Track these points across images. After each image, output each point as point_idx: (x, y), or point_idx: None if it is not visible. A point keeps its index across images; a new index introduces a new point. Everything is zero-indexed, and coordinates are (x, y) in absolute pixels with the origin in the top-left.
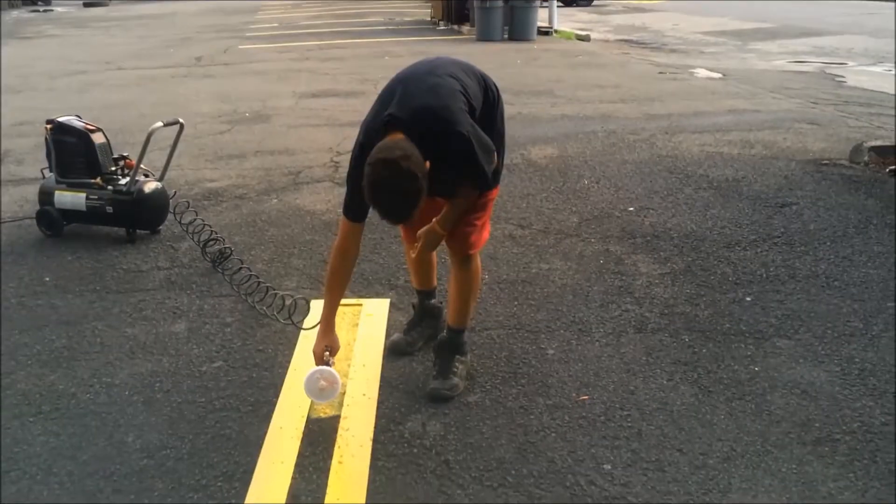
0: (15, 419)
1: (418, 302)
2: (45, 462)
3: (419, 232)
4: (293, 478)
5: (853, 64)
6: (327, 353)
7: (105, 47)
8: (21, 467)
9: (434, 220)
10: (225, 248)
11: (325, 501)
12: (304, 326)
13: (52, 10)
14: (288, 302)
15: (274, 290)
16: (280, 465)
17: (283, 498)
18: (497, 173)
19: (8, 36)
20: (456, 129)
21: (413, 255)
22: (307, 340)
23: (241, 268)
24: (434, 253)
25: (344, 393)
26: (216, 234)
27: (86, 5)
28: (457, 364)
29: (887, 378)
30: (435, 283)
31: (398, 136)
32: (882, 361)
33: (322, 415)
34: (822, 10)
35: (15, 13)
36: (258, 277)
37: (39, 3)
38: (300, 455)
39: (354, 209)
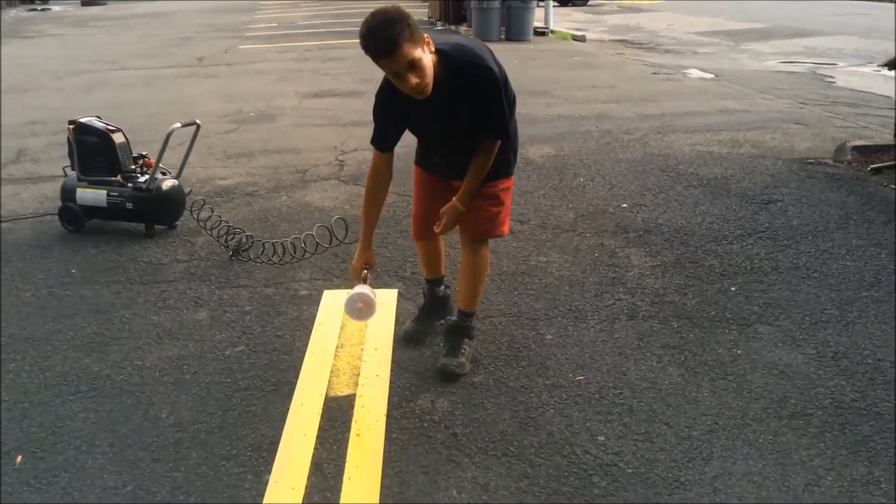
0: (56, 398)
1: (428, 290)
2: (88, 435)
3: (441, 210)
4: (315, 448)
5: (843, 64)
6: (365, 270)
7: (107, 47)
8: (66, 440)
9: (454, 198)
10: (243, 236)
11: (346, 469)
12: (348, 241)
13: (49, 9)
14: (318, 233)
15: (299, 237)
16: (303, 438)
17: (308, 466)
18: (509, 163)
19: (9, 35)
20: (486, 63)
21: (437, 231)
22: (322, 327)
23: (263, 246)
24: (441, 245)
25: (359, 374)
26: (233, 227)
27: (84, 4)
28: (465, 346)
29: (859, 360)
30: (443, 271)
31: None
32: (855, 345)
33: (339, 393)
34: (814, 10)
35: (13, 12)
36: (284, 246)
37: (37, 1)
38: (321, 429)
39: (381, 139)
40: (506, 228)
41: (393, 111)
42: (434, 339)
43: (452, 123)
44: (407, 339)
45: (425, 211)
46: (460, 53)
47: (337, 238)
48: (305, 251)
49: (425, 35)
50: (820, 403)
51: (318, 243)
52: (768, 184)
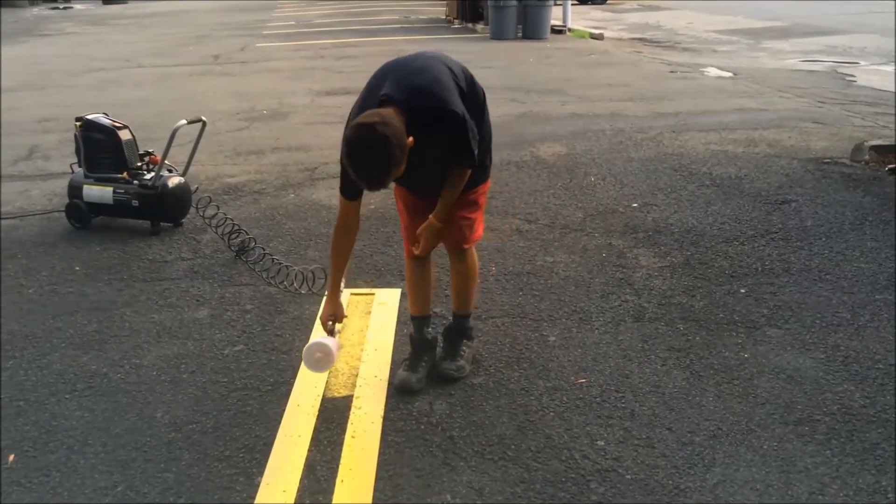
0: (52, 396)
1: (416, 332)
2: (81, 434)
3: (419, 230)
4: (309, 450)
5: (865, 63)
6: (331, 321)
7: (123, 45)
8: (59, 439)
9: (430, 216)
10: (247, 238)
11: (339, 471)
12: (320, 293)
13: (71, 7)
14: (307, 275)
15: (294, 267)
16: (297, 439)
17: (301, 468)
18: (485, 168)
19: (27, 33)
20: (449, 107)
21: (417, 253)
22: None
23: (264, 255)
24: (432, 273)
25: (357, 375)
26: (237, 226)
27: (105, 2)
28: (464, 348)
29: (869, 365)
30: (430, 309)
31: (386, 109)
32: (865, 349)
33: (336, 394)
34: (835, 8)
35: (35, 10)
36: (281, 262)
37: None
38: (316, 430)
39: (349, 189)
40: (481, 229)
41: None
42: (430, 384)
43: (422, 164)
44: (402, 390)
45: (411, 223)
46: (420, 100)
47: (311, 289)
48: (293, 285)
49: (407, 136)
50: (828, 409)
51: (305, 283)
52: (783, 184)
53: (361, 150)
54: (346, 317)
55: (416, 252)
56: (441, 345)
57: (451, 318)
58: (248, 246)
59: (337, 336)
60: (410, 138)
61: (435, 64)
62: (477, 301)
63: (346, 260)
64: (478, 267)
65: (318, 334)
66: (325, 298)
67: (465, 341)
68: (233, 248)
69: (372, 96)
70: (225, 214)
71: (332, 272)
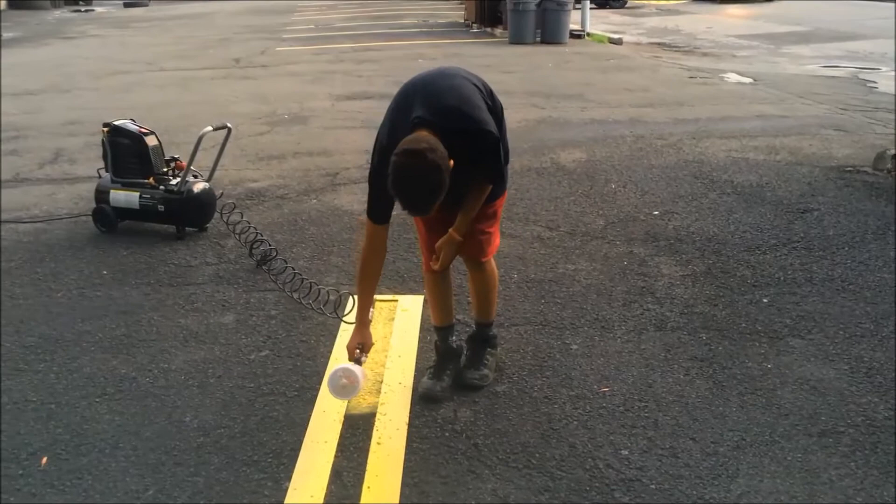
0: (83, 399)
1: (440, 342)
2: (112, 437)
3: (437, 244)
4: (336, 456)
5: (886, 69)
6: (359, 350)
7: (146, 48)
8: (90, 442)
9: (450, 229)
10: (270, 249)
11: (366, 477)
12: (347, 320)
13: (93, 10)
14: (333, 297)
15: (318, 285)
16: (324, 445)
17: (328, 473)
18: (504, 180)
19: (51, 35)
20: (484, 127)
21: (436, 267)
22: (347, 332)
23: (286, 267)
24: (452, 283)
25: (381, 381)
26: (261, 235)
27: (126, 5)
28: (487, 356)
29: (893, 376)
30: (453, 318)
31: (425, 133)
32: (889, 361)
33: (362, 401)
34: (856, 12)
35: (57, 13)
36: (302, 275)
37: (81, 3)
38: (342, 436)
39: (378, 211)
40: (498, 241)
41: None
42: (454, 392)
43: (453, 183)
44: (426, 399)
45: (429, 237)
46: (455, 122)
47: (336, 314)
48: (317, 301)
49: (449, 159)
50: (852, 421)
51: (331, 304)
52: (805, 192)
53: (413, 179)
54: (373, 345)
55: (436, 267)
56: (465, 353)
57: (474, 325)
58: (270, 256)
59: (363, 365)
60: (451, 161)
61: (462, 82)
62: (498, 308)
63: (374, 288)
64: (497, 275)
65: (340, 360)
66: (354, 326)
67: (488, 349)
68: (254, 258)
69: (402, 116)
70: (248, 222)
71: (359, 301)
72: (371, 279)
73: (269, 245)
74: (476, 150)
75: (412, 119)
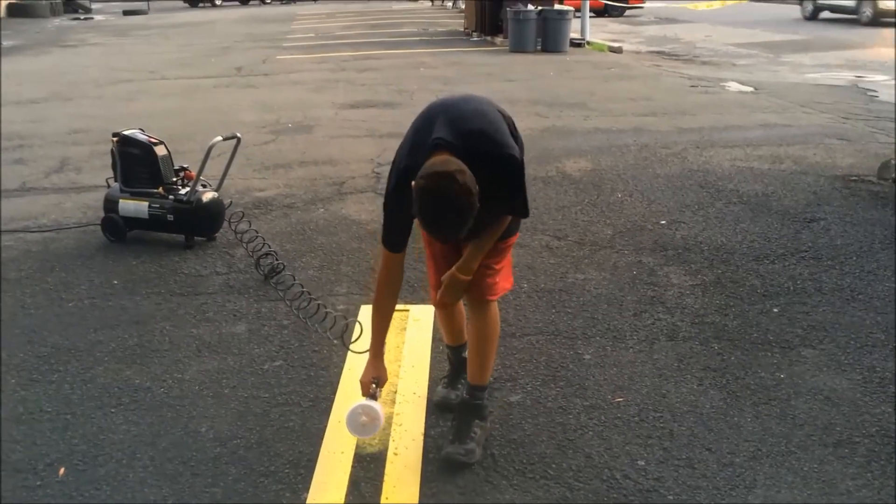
0: (98, 409)
1: (452, 355)
2: (129, 448)
3: (442, 278)
4: (353, 466)
5: (886, 78)
6: (374, 384)
7: (147, 56)
8: (108, 452)
9: (453, 268)
10: (277, 263)
11: (384, 488)
12: (353, 349)
13: (92, 18)
14: (340, 323)
15: (325, 308)
16: (340, 455)
17: (345, 484)
18: (526, 212)
19: (51, 44)
20: (508, 151)
21: (435, 304)
22: (359, 343)
23: (293, 283)
24: (462, 305)
25: (396, 391)
26: (269, 246)
27: (126, 13)
28: (475, 429)
29: None
30: (464, 337)
31: (448, 156)
32: None
33: None
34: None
35: (57, 21)
36: (310, 294)
37: (80, 10)
38: (358, 447)
39: (393, 240)
40: (508, 283)
41: (408, 212)
42: None
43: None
44: (442, 407)
45: (437, 265)
46: (478, 145)
47: (342, 341)
48: (323, 324)
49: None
50: (867, 431)
51: (337, 329)
52: (810, 201)
53: (442, 202)
54: (387, 380)
55: (435, 303)
56: (452, 421)
57: (465, 388)
58: (277, 269)
59: (379, 400)
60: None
61: (488, 108)
62: (510, 318)
63: (389, 319)
64: (499, 327)
65: (353, 371)
66: (368, 359)
67: (477, 421)
68: (261, 271)
69: (422, 138)
70: (256, 232)
71: (374, 333)
72: (387, 310)
73: (277, 258)
74: (498, 176)
75: (432, 140)
